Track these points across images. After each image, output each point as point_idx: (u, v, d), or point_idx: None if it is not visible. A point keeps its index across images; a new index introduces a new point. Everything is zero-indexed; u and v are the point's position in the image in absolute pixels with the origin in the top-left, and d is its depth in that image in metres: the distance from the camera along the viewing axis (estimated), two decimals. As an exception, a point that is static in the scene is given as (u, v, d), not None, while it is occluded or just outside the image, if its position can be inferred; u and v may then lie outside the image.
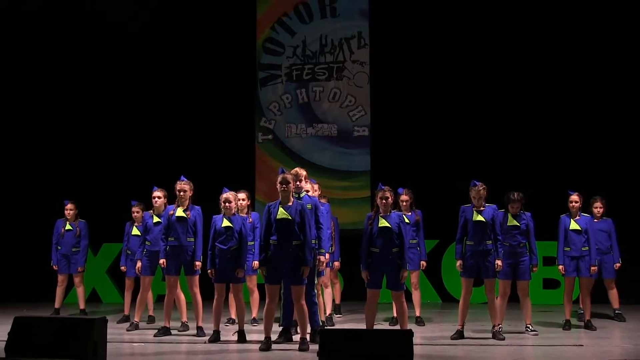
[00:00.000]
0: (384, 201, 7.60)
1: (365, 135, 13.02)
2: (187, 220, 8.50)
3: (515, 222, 8.45)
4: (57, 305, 10.56)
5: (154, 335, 8.53)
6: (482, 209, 8.25)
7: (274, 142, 13.31)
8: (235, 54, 13.25)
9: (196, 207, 8.62)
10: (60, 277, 10.54)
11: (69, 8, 12.89)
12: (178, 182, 8.58)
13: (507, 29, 12.24)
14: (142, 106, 13.10)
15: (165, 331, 8.58)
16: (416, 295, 9.54)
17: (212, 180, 10.34)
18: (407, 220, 9.26)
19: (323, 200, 8.97)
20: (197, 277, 8.61)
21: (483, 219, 8.20)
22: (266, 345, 7.49)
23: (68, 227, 10.50)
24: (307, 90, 13.30)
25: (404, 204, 9.33)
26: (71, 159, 13.22)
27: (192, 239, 8.55)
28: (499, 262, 8.17)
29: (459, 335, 8.25)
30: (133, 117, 13.14)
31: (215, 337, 8.08)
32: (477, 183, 8.27)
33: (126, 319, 9.77)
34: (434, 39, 12.39)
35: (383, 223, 7.57)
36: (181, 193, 8.52)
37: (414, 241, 9.37)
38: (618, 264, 9.61)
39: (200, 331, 8.54)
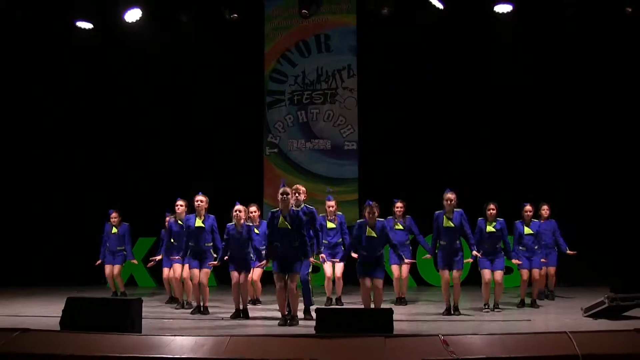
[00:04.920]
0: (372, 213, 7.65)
1: (354, 149, 13.05)
2: (204, 228, 8.54)
3: (492, 228, 8.45)
4: (113, 289, 10.53)
5: (191, 312, 8.56)
6: (451, 215, 8.21)
7: (279, 155, 13.34)
8: (247, 83, 13.28)
9: (211, 215, 8.64)
10: (107, 268, 10.44)
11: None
12: (196, 195, 8.60)
13: (474, 63, 12.26)
14: (173, 125, 13.14)
15: (198, 309, 8.58)
16: (405, 283, 9.61)
17: (228, 186, 10.43)
18: (400, 226, 9.37)
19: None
20: (208, 271, 8.62)
21: (452, 225, 8.19)
22: (284, 321, 7.53)
23: (114, 230, 10.50)
24: (306, 112, 13.34)
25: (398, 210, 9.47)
26: (117, 170, 13.30)
27: (210, 244, 8.59)
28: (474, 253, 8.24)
29: (447, 311, 8.25)
30: (165, 135, 13.18)
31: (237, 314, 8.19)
32: (449, 190, 8.28)
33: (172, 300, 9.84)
34: (410, 70, 12.41)
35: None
36: (198, 203, 8.55)
37: (407, 242, 9.49)
38: (570, 252, 9.54)
39: (205, 310, 8.55)
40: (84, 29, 12.35)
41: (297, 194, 7.83)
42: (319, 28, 13.30)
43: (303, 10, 11.21)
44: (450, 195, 8.25)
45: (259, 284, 9.54)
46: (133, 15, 11.78)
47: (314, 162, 13.15)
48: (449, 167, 11.98)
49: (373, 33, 12.79)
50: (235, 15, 12.28)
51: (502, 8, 11.50)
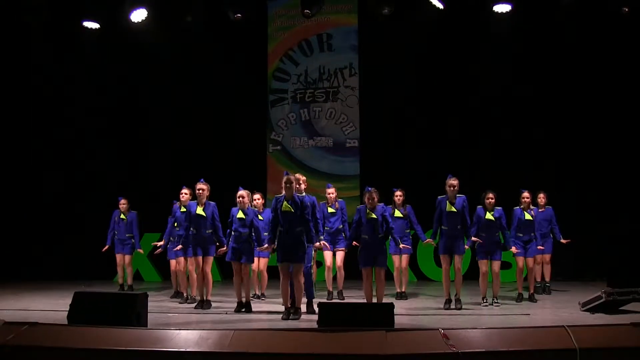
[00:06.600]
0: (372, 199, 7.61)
1: (355, 146, 13.04)
2: (205, 216, 8.44)
3: (490, 216, 8.38)
4: (121, 281, 10.48)
5: (195, 307, 8.47)
6: (454, 200, 8.18)
7: (282, 152, 13.33)
8: (251, 81, 13.28)
9: (212, 203, 8.55)
10: (118, 257, 10.43)
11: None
12: (198, 183, 8.55)
13: (474, 60, 12.23)
14: (179, 123, 13.14)
15: (201, 303, 8.48)
16: (405, 275, 9.53)
17: (232, 183, 10.36)
18: (399, 214, 9.27)
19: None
20: (211, 258, 8.49)
21: (455, 210, 8.15)
22: (287, 315, 7.46)
23: (122, 216, 10.46)
24: (309, 110, 13.32)
25: (398, 199, 9.37)
26: (124, 167, 13.26)
27: (210, 231, 8.43)
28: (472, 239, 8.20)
29: (448, 303, 8.18)
30: (171, 132, 13.18)
31: (241, 308, 8.08)
32: (451, 176, 8.23)
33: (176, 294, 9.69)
34: (410, 68, 12.44)
35: (370, 215, 7.57)
36: (199, 191, 8.49)
37: (408, 230, 9.37)
38: (564, 240, 9.49)
39: (207, 304, 8.42)
40: (91, 28, 12.32)
41: (297, 185, 7.75)
42: (321, 27, 13.29)
43: (305, 10, 11.18)
44: (453, 181, 8.20)
45: (265, 274, 9.41)
46: (139, 15, 11.74)
47: (316, 159, 13.12)
48: (450, 164, 11.88)
49: (374, 32, 12.77)
50: (239, 15, 12.23)
51: (501, 8, 11.51)
